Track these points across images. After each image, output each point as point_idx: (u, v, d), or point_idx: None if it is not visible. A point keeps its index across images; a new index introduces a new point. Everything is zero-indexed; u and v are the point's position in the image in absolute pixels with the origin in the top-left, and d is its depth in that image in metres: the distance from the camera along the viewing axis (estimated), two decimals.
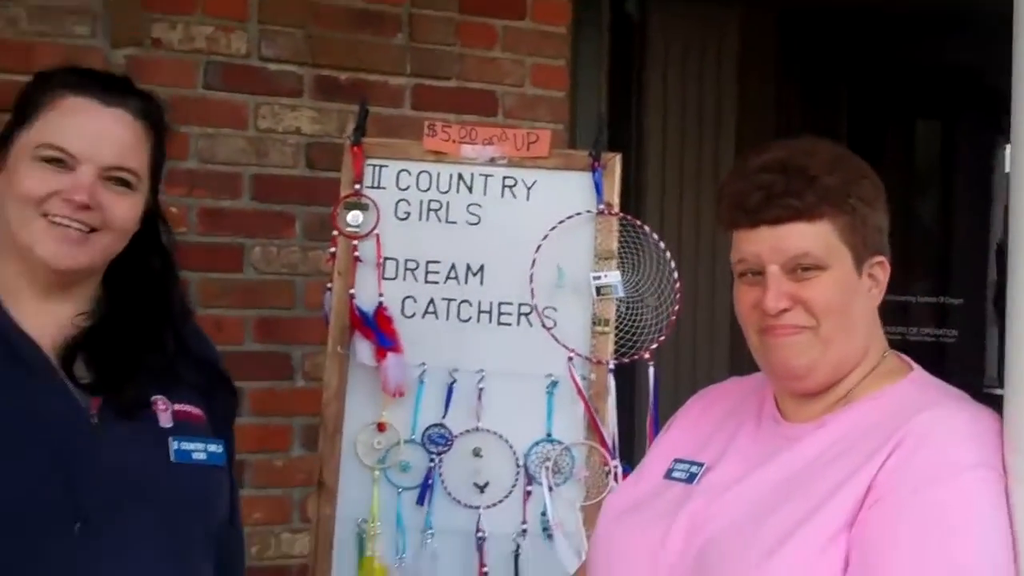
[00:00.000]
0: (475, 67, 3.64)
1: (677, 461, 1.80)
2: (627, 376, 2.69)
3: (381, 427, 2.62)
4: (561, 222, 2.66)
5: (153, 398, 1.81)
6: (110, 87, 1.81)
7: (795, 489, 1.61)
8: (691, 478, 1.75)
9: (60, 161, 1.75)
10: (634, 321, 2.64)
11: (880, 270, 1.70)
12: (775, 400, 1.77)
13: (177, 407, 1.83)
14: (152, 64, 3.26)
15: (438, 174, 2.74)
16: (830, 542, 1.54)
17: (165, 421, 1.80)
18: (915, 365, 1.75)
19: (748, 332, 1.72)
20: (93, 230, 1.76)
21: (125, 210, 1.79)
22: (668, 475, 1.79)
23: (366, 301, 2.66)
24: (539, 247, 2.64)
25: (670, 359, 4.02)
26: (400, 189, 2.73)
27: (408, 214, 2.73)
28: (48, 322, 1.78)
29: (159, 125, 1.86)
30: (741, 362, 1.93)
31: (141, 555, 1.71)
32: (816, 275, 1.65)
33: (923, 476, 1.53)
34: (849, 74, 5.16)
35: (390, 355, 2.61)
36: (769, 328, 1.67)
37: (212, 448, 1.84)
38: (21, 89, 1.81)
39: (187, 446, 1.80)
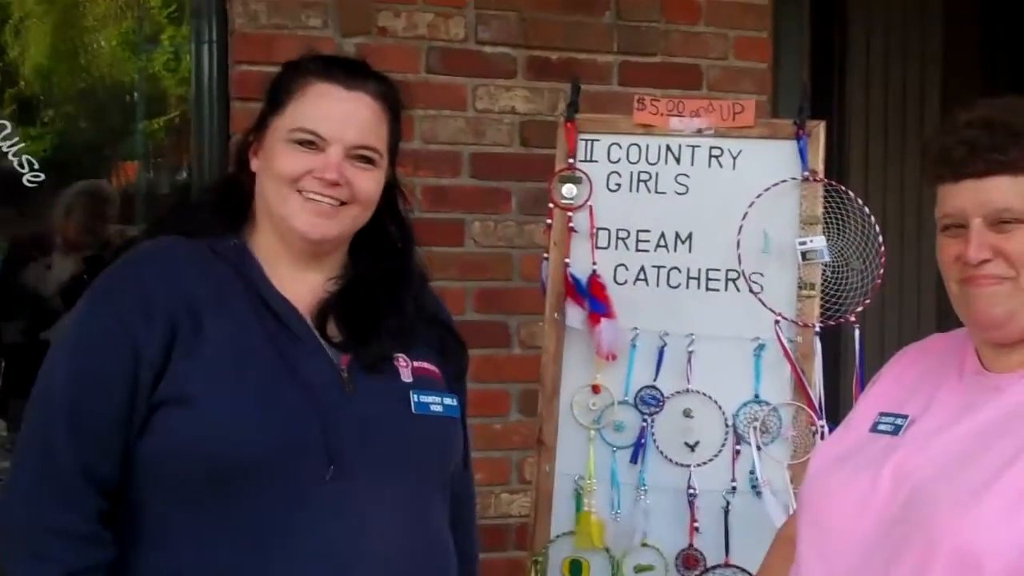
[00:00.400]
0: (679, 42, 3.74)
1: (882, 415, 1.87)
2: (833, 339, 2.74)
3: (596, 389, 2.73)
4: (767, 189, 2.72)
5: (395, 355, 1.98)
6: (352, 72, 1.99)
7: (998, 437, 1.68)
8: (896, 430, 1.82)
9: (311, 143, 1.93)
10: (839, 285, 2.69)
11: None
12: (976, 353, 1.83)
13: (416, 364, 2.00)
14: (379, 51, 3.44)
15: (647, 146, 2.83)
16: None
17: (406, 376, 1.97)
18: None
19: (949, 283, 1.78)
20: (342, 203, 1.94)
21: (369, 184, 1.97)
22: (874, 428, 1.86)
23: (580, 269, 2.78)
24: (745, 214, 2.71)
25: (875, 322, 4.03)
26: (611, 162, 2.84)
27: (619, 186, 2.83)
28: (303, 288, 1.96)
29: (396, 106, 2.03)
30: (947, 323, 1.98)
31: (386, 495, 1.87)
32: (1017, 228, 1.70)
33: None
34: None
35: (603, 320, 2.72)
36: (970, 278, 1.73)
37: (448, 401, 2.01)
38: (273, 78, 2.00)
39: (426, 399, 1.97)
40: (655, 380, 2.73)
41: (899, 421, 1.84)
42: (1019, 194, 1.70)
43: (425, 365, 2.02)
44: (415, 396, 1.96)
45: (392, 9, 3.52)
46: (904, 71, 4.68)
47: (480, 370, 3.51)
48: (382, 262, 2.05)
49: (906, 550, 1.67)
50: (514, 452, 3.56)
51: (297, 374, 1.87)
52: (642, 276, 2.80)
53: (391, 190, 2.07)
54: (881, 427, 1.86)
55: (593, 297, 2.77)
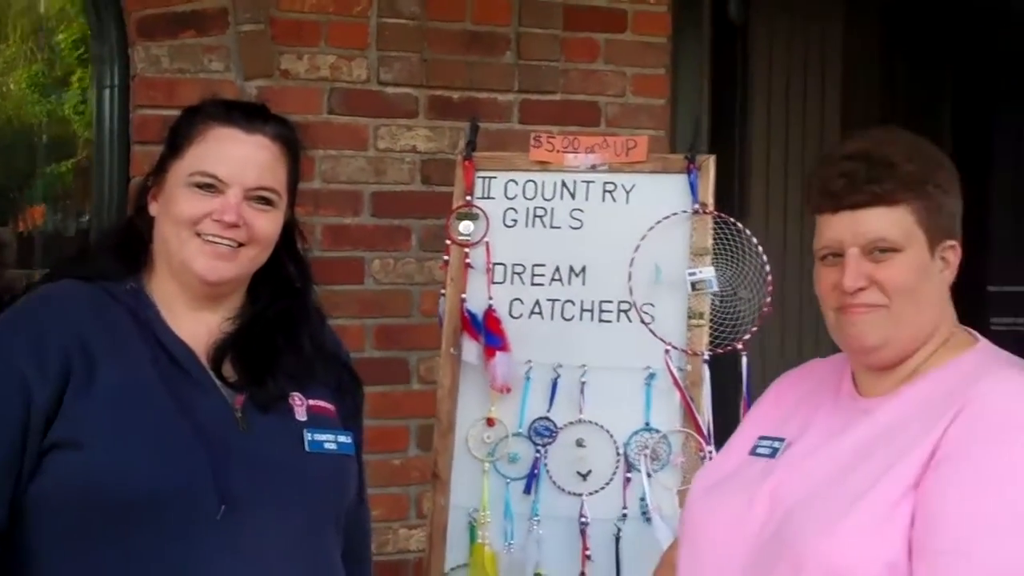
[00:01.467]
0: (579, 80, 3.80)
1: (761, 438, 1.91)
2: (722, 367, 2.79)
3: (490, 422, 2.76)
4: (658, 222, 2.76)
5: (291, 394, 1.99)
6: (251, 116, 2.01)
7: (866, 457, 1.72)
8: (774, 453, 1.87)
9: (210, 186, 1.95)
10: (728, 314, 2.73)
11: (952, 253, 1.81)
12: (852, 378, 1.88)
13: (312, 402, 2.01)
14: (281, 93, 3.46)
15: (543, 182, 2.88)
16: (896, 504, 1.65)
17: (301, 415, 1.99)
18: (982, 339, 1.85)
19: (826, 311, 1.83)
20: (240, 245, 1.95)
21: (268, 225, 1.98)
22: (753, 451, 1.90)
23: (477, 304, 2.82)
24: (638, 247, 2.75)
25: (765, 348, 4.09)
26: (508, 198, 2.89)
27: (515, 221, 2.87)
28: (200, 329, 1.97)
29: (294, 147, 2.06)
30: (828, 350, 2.04)
31: (279, 531, 1.88)
32: (892, 257, 1.76)
33: (984, 436, 1.64)
34: (955, 67, 5.14)
35: (498, 354, 2.76)
36: (846, 307, 1.78)
37: (342, 439, 2.02)
38: (173, 122, 2.02)
39: (319, 437, 1.98)
40: (548, 411, 2.76)
41: (776, 444, 1.88)
42: (893, 224, 1.75)
43: (320, 403, 2.04)
44: (309, 434, 1.98)
45: (295, 52, 3.54)
46: (804, 101, 4.78)
47: (379, 407, 3.53)
48: (280, 301, 2.07)
49: (776, 572, 1.71)
50: (412, 487, 3.58)
51: (190, 414, 1.87)
52: (537, 309, 2.84)
53: (290, 230, 2.09)
54: (760, 450, 1.90)
55: (489, 331, 2.80)
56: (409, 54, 3.64)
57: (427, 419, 3.07)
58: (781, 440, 1.88)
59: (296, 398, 1.99)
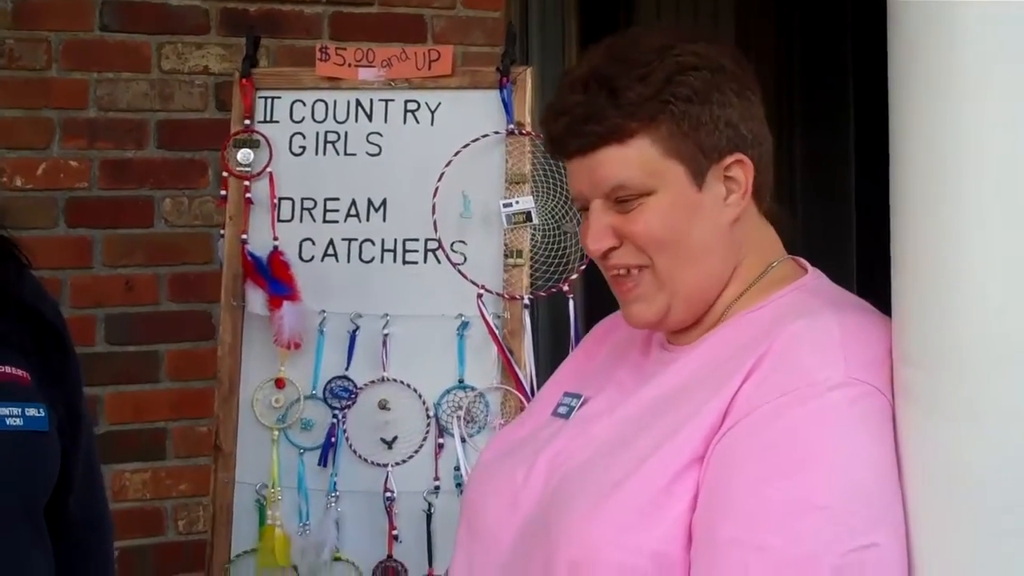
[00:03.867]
0: None
1: (565, 395, 1.58)
2: (548, 311, 2.46)
3: (280, 383, 2.43)
4: (466, 146, 2.43)
5: None
6: None
7: (654, 419, 1.38)
8: (569, 412, 1.53)
9: None
10: (552, 251, 2.41)
11: (739, 169, 1.43)
12: None
13: None
14: (43, 7, 3.05)
15: (335, 102, 2.54)
16: (676, 478, 1.31)
17: None
18: (813, 270, 1.49)
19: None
20: None
21: None
22: (555, 411, 1.57)
23: (260, 246, 2.47)
24: (441, 175, 2.42)
25: (596, 289, 3.77)
26: (294, 122, 2.54)
27: (303, 148, 2.53)
28: None
29: None
30: None
31: None
32: (641, 203, 1.40)
33: (777, 399, 1.29)
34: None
35: (286, 303, 2.40)
36: (612, 280, 1.46)
37: (31, 412, 1.67)
38: None
39: None
40: (347, 369, 2.43)
41: (573, 402, 1.54)
42: (629, 164, 1.39)
43: (7, 369, 1.67)
44: None
45: None
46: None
47: (181, 366, 3.16)
48: None
49: (532, 562, 1.38)
50: None
51: None
52: (331, 251, 2.50)
53: None
54: (560, 409, 1.56)
55: (275, 278, 2.44)
56: None
57: None
58: (578, 397, 1.54)
59: None
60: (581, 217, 1.49)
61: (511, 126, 2.43)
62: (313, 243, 2.49)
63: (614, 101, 1.38)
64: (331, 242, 2.49)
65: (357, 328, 2.43)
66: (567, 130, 1.42)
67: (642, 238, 1.40)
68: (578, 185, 1.45)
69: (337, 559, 2.37)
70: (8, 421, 1.63)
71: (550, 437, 1.50)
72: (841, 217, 4.84)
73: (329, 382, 2.42)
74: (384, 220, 2.48)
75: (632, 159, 1.39)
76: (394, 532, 2.36)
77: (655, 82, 1.39)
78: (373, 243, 2.48)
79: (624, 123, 1.38)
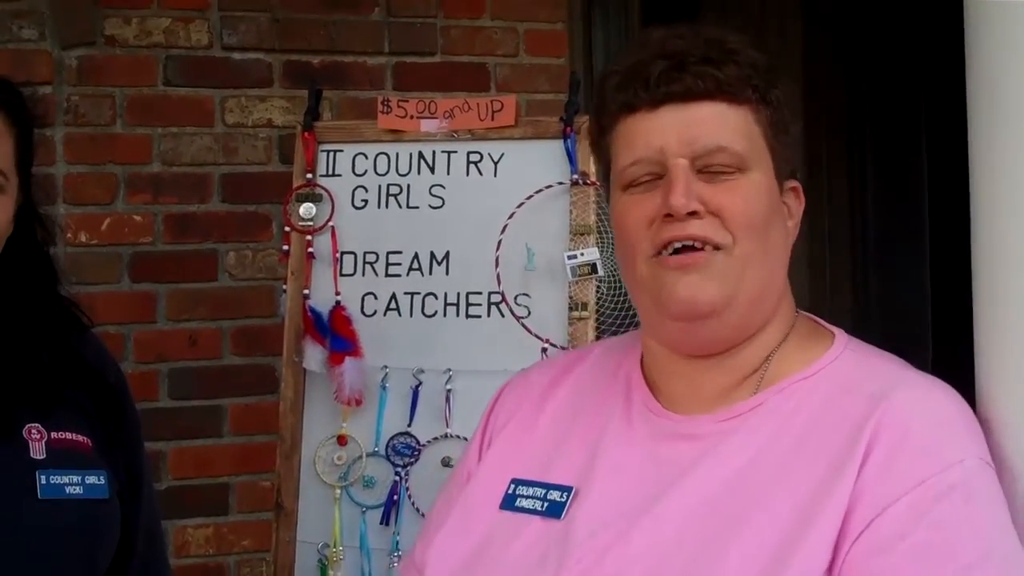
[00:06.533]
0: (462, 38, 3.35)
1: (518, 483, 1.37)
2: None
3: (342, 440, 2.37)
4: (529, 197, 2.38)
5: (27, 426, 1.63)
6: None
7: (734, 516, 1.21)
8: (554, 509, 1.32)
9: None
10: (618, 303, 2.35)
11: (794, 199, 1.34)
12: (645, 380, 1.36)
13: (55, 435, 1.65)
14: (106, 63, 3.08)
15: (397, 155, 2.50)
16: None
17: (37, 452, 1.63)
18: (828, 325, 1.37)
19: (635, 261, 1.29)
20: None
21: None
22: (510, 505, 1.36)
23: (322, 301, 2.43)
24: (505, 227, 2.38)
25: None
26: (356, 175, 2.50)
27: (366, 202, 2.49)
28: None
29: (22, 118, 1.67)
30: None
31: None
32: (734, 178, 1.26)
33: (914, 489, 1.17)
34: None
35: (347, 360, 2.36)
36: (664, 261, 1.26)
37: (91, 480, 1.66)
38: None
39: (58, 480, 1.63)
40: (409, 426, 2.37)
41: (553, 495, 1.33)
42: (737, 129, 1.26)
43: (68, 435, 1.67)
44: (43, 477, 1.61)
45: (121, 15, 3.11)
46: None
47: (244, 420, 3.14)
48: (11, 308, 1.68)
49: None
50: None
51: None
52: (393, 305, 2.45)
53: (26, 219, 1.70)
54: (523, 503, 1.34)
55: (336, 334, 2.40)
56: (256, 14, 3.19)
57: None
58: (559, 488, 1.32)
59: (34, 431, 1.63)
60: (623, 195, 1.30)
61: (575, 176, 2.38)
62: (375, 297, 2.44)
63: (733, 58, 1.27)
64: (393, 296, 2.44)
65: (420, 384, 2.37)
66: (673, 71, 1.26)
67: (738, 215, 1.25)
68: (658, 139, 1.26)
69: None
70: (68, 490, 1.63)
71: (550, 547, 1.28)
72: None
73: (392, 439, 2.36)
74: (447, 273, 2.43)
75: (740, 125, 1.27)
76: None
77: (765, 62, 1.29)
78: (436, 297, 2.43)
79: (742, 81, 1.27)
